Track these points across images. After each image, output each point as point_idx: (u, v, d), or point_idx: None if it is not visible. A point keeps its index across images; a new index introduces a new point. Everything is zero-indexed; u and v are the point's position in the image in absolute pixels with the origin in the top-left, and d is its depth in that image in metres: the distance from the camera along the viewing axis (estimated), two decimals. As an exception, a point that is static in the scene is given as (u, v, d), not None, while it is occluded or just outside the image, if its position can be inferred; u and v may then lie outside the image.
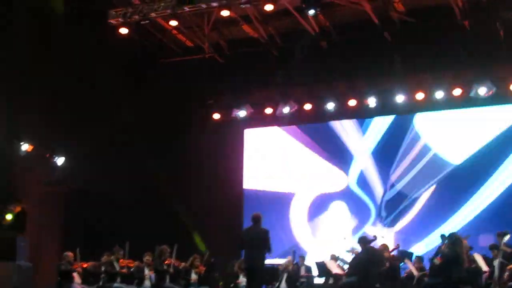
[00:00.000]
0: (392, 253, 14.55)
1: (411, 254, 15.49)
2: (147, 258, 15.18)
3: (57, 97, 17.06)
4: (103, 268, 14.85)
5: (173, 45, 19.44)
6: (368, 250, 13.19)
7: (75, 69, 17.17)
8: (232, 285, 15.96)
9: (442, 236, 14.11)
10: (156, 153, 19.60)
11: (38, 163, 16.66)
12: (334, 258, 15.93)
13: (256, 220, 12.84)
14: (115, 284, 14.36)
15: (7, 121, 15.74)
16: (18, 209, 15.66)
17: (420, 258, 15.38)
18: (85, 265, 15.14)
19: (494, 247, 13.68)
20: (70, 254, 14.87)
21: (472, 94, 17.60)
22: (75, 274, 14.71)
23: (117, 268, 14.83)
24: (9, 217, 15.42)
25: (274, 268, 15.37)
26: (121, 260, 15.02)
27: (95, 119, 17.82)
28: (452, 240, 12.54)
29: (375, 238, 13.62)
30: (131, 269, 15.10)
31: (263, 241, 12.57)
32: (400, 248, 15.59)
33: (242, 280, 15.55)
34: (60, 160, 16.92)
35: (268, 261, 13.81)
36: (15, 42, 16.05)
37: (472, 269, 13.13)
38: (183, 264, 15.37)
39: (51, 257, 16.43)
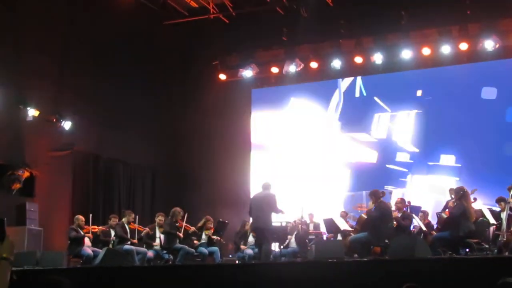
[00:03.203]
0: (404, 209, 14.53)
1: (419, 208, 15.48)
2: (159, 218, 15.28)
3: (62, 62, 17.04)
4: (112, 232, 14.91)
5: (178, 6, 19.34)
6: (379, 206, 13.20)
7: (78, 33, 17.15)
8: (241, 243, 16.09)
9: (450, 190, 14.12)
10: (164, 116, 19.64)
11: (45, 128, 16.66)
12: (343, 214, 16.00)
13: (265, 187, 13.39)
14: (125, 246, 14.46)
15: (13, 87, 15.72)
16: (26, 174, 15.72)
17: (425, 213, 15.39)
18: (95, 229, 15.21)
19: (501, 200, 13.69)
20: (81, 217, 14.93)
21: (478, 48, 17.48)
22: (85, 238, 14.80)
23: (128, 230, 14.93)
24: (18, 183, 15.47)
25: (282, 227, 15.44)
26: (131, 224, 15.12)
27: (102, 84, 17.83)
28: (460, 194, 12.56)
29: (384, 193, 13.62)
30: (141, 234, 15.23)
31: (270, 204, 13.00)
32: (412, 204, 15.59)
33: (251, 240, 15.70)
34: (67, 125, 16.89)
35: (278, 219, 14.04)
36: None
37: (479, 222, 13.13)
38: (193, 228, 15.43)
39: (61, 222, 16.53)
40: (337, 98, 19.77)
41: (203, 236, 15.68)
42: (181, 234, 14.90)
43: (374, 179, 18.57)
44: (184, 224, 15.18)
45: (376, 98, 19.24)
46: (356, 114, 19.59)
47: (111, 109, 18.07)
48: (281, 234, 14.81)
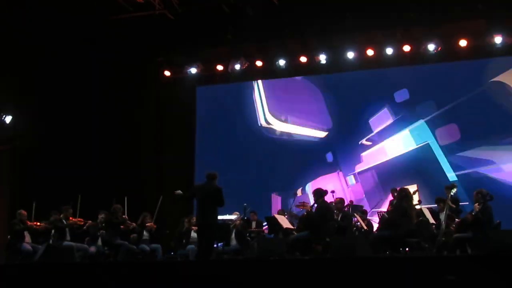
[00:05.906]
0: (346, 209, 14.67)
1: (361, 207, 15.67)
2: (102, 216, 15.10)
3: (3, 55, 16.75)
4: (53, 227, 14.68)
5: (123, 1, 19.11)
6: (321, 205, 13.30)
7: (20, 27, 16.84)
8: (183, 241, 16.02)
9: (393, 190, 14.29)
10: (107, 112, 19.44)
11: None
12: (284, 213, 16.03)
13: (211, 177, 12.94)
14: (65, 243, 14.25)
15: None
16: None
17: (365, 212, 15.57)
18: (38, 224, 14.94)
19: (440, 201, 13.96)
20: (23, 212, 14.67)
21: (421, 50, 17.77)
22: (26, 233, 14.56)
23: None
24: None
25: (225, 225, 15.41)
26: (70, 218, 14.89)
27: (45, 78, 17.56)
28: (401, 195, 12.72)
29: (327, 192, 13.71)
30: (83, 227, 15.03)
31: (216, 197, 12.71)
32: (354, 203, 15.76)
33: (194, 236, 15.59)
34: (8, 119, 16.58)
35: (220, 217, 13.96)
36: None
37: (419, 221, 13.32)
38: (134, 224, 15.28)
39: (1, 217, 16.23)
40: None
41: (145, 233, 15.54)
42: (123, 227, 14.74)
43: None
44: (126, 217, 15.04)
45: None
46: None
47: (54, 104, 17.80)
48: (225, 232, 14.77)
